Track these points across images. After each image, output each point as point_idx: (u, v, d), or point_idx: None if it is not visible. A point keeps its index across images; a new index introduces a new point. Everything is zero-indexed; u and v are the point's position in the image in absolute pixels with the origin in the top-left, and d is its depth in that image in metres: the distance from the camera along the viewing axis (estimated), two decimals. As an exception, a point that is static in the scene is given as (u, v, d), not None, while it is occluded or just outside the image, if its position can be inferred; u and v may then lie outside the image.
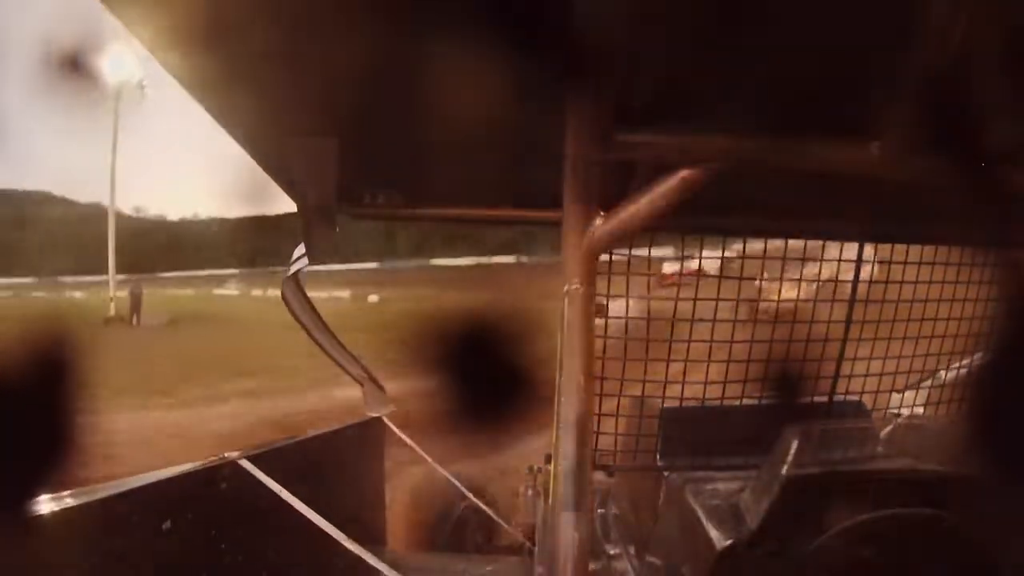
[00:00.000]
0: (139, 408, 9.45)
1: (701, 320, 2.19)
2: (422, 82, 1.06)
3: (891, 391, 2.24)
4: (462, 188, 1.66)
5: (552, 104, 1.03)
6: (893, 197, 1.27)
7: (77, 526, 1.30)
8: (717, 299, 2.15)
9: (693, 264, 2.05)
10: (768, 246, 2.05)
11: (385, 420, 2.94)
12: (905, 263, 2.13)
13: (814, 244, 2.11)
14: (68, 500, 1.29)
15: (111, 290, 22.13)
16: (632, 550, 2.32)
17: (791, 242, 2.08)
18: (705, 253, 2.03)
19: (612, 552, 2.40)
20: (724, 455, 2.09)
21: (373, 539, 2.68)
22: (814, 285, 2.20)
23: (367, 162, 1.51)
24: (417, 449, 3.10)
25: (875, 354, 2.14)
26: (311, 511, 1.87)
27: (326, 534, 1.88)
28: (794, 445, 1.72)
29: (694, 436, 2.15)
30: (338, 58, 1.01)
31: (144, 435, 7.86)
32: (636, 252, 2.00)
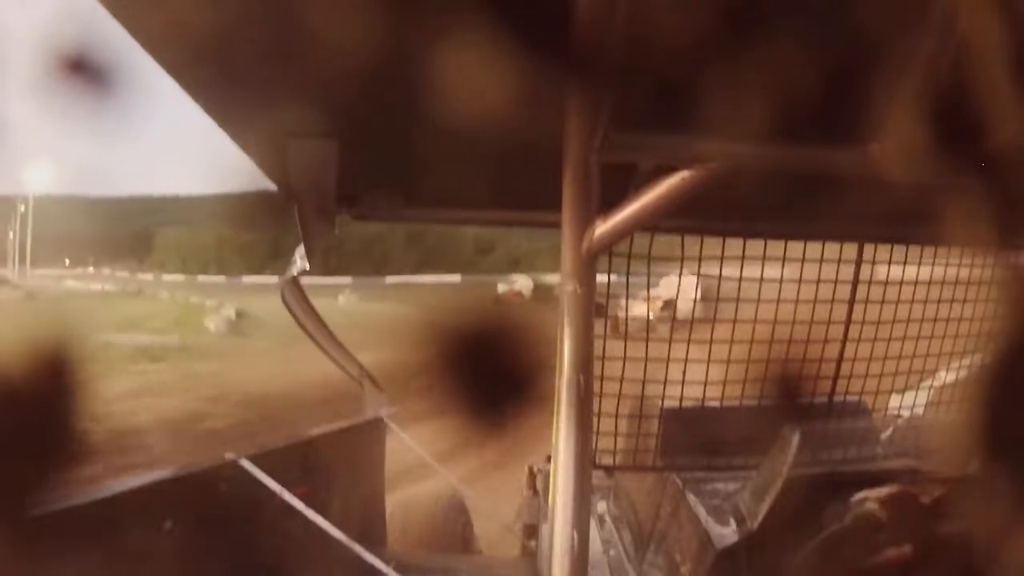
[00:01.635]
0: None
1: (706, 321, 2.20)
2: (422, 83, 1.06)
3: (891, 391, 2.24)
4: (462, 189, 1.66)
5: (551, 105, 1.03)
6: (893, 198, 1.28)
7: (77, 526, 1.30)
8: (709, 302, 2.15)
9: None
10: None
11: (386, 420, 2.95)
12: (905, 263, 2.13)
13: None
14: (68, 500, 1.29)
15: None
16: (632, 550, 2.32)
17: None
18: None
19: (612, 552, 2.41)
20: (724, 455, 2.09)
21: (373, 539, 2.69)
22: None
23: (367, 163, 1.51)
24: (418, 450, 3.10)
25: (875, 354, 2.14)
26: (311, 511, 1.88)
27: (326, 534, 1.88)
28: (794, 445, 1.72)
29: (694, 436, 2.15)
30: (338, 59, 1.01)
31: None
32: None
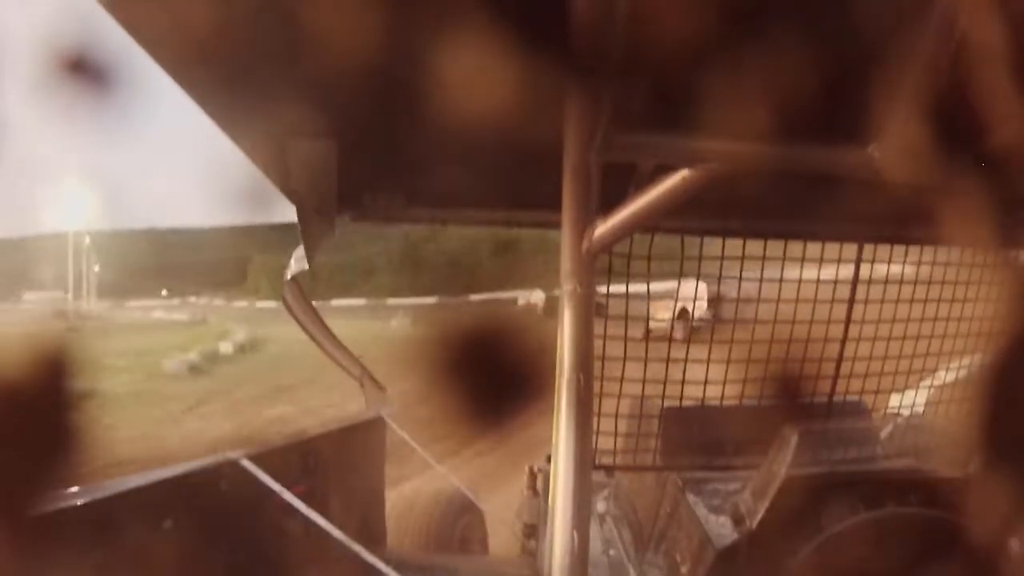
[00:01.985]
0: None
1: (702, 321, 2.22)
2: (422, 83, 1.06)
3: (891, 391, 2.24)
4: (462, 189, 1.66)
5: (552, 105, 1.03)
6: (893, 198, 1.28)
7: (77, 526, 1.30)
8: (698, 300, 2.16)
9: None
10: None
11: (386, 420, 2.95)
12: (904, 263, 2.13)
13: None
14: (68, 500, 1.29)
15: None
16: (632, 550, 2.32)
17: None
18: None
19: (612, 552, 2.41)
20: (724, 455, 2.09)
21: (373, 539, 2.69)
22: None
23: (367, 163, 1.51)
24: (419, 450, 3.10)
25: (875, 354, 2.14)
26: (311, 510, 1.88)
27: (326, 534, 1.89)
28: (794, 445, 1.72)
29: (694, 436, 2.15)
30: (338, 59, 1.01)
31: None
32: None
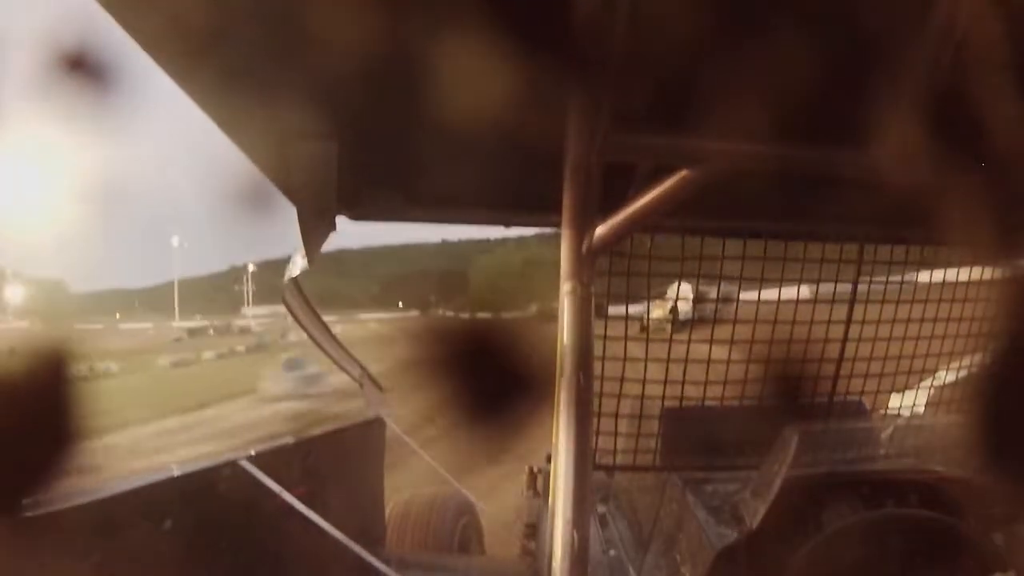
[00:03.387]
0: None
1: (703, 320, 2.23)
2: (422, 84, 1.06)
3: (891, 391, 2.24)
4: (462, 189, 1.66)
5: (552, 106, 1.03)
6: (893, 199, 1.28)
7: (77, 526, 1.30)
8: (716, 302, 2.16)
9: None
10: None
11: (386, 420, 2.95)
12: (905, 264, 2.13)
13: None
14: (68, 500, 1.29)
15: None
16: (632, 550, 2.32)
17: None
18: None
19: (612, 552, 2.40)
20: (724, 455, 2.09)
21: (373, 539, 2.69)
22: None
23: (367, 163, 1.51)
24: (419, 450, 3.10)
25: (875, 354, 2.14)
26: (311, 511, 1.88)
27: (326, 534, 1.89)
28: (794, 445, 1.72)
29: (694, 436, 2.15)
30: (338, 59, 1.01)
31: None
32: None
